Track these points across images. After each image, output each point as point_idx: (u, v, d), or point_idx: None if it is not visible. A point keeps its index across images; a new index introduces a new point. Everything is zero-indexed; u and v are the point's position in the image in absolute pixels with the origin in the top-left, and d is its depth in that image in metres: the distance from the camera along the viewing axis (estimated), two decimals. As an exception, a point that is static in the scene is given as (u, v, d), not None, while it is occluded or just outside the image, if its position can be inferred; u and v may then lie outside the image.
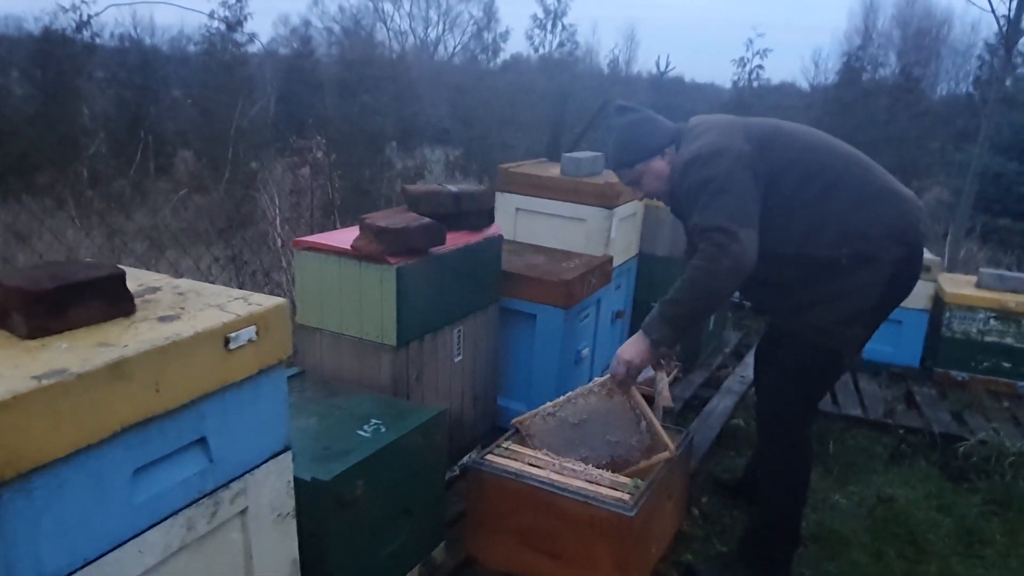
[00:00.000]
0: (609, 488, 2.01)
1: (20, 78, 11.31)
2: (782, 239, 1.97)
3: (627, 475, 2.07)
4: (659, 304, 2.01)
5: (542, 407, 2.23)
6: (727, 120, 2.11)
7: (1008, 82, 7.50)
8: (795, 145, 2.03)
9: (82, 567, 1.10)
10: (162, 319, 1.24)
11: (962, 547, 2.55)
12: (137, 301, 1.28)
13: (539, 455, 2.16)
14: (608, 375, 2.15)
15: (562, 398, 2.21)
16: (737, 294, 2.45)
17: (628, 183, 2.24)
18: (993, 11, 5.95)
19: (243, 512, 1.37)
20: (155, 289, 1.38)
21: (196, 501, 1.27)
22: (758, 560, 2.23)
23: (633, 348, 2.07)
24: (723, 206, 1.90)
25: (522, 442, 2.22)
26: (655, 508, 2.08)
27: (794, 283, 2.02)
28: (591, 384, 2.21)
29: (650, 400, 2.25)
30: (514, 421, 2.25)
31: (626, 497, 1.96)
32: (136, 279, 1.41)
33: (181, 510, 1.24)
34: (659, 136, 2.12)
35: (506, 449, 2.19)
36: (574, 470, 2.10)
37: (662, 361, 2.53)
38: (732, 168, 1.93)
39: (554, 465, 2.12)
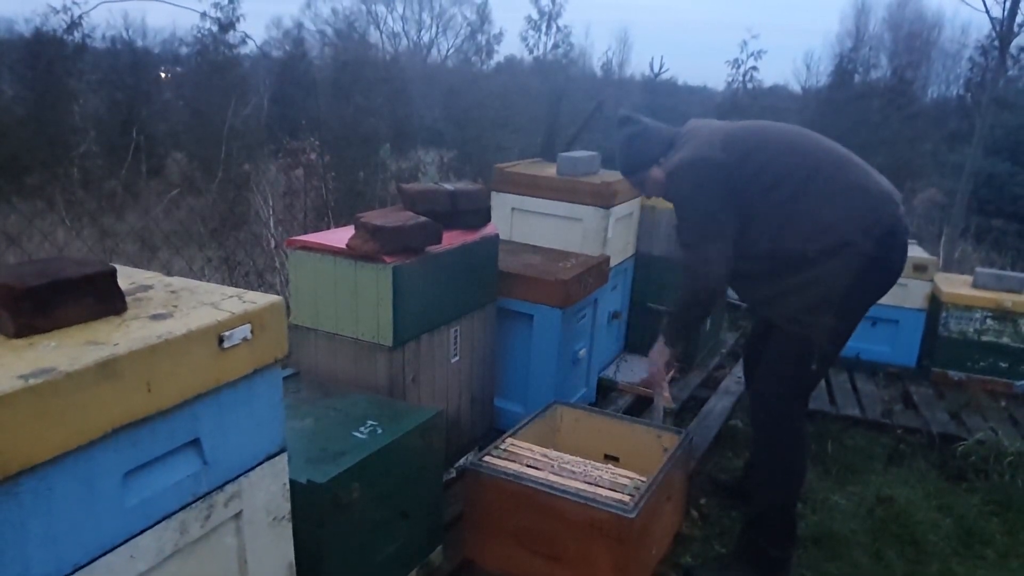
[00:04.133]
0: (609, 489, 1.98)
1: (11, 79, 11.23)
2: (757, 237, 2.13)
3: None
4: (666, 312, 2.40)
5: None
6: (711, 128, 2.24)
7: (1000, 83, 7.52)
8: (770, 149, 2.15)
9: (72, 573, 1.07)
10: (154, 317, 1.21)
11: (962, 548, 2.54)
12: (129, 299, 1.25)
13: (538, 456, 2.14)
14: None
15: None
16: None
17: (634, 186, 2.48)
18: (987, 11, 5.97)
19: (237, 515, 1.34)
20: (147, 287, 1.35)
21: (189, 504, 1.23)
22: (755, 559, 2.21)
23: (655, 352, 2.37)
24: (693, 223, 2.14)
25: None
26: (655, 509, 2.06)
27: (767, 275, 2.16)
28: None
29: (650, 400, 2.25)
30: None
31: (626, 498, 1.93)
32: (128, 277, 1.38)
33: (174, 513, 1.21)
34: (653, 148, 2.31)
35: (504, 451, 2.16)
36: (573, 471, 2.07)
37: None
38: (703, 180, 2.11)
39: (553, 466, 2.09)
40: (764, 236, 2.12)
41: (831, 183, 2.09)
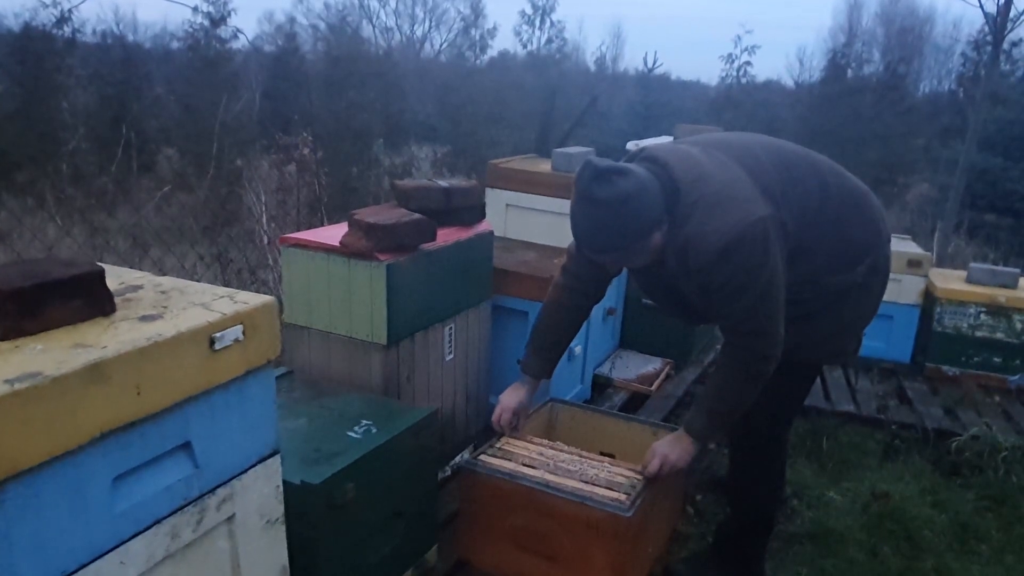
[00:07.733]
0: (605, 488, 1.97)
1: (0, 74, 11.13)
2: (806, 275, 1.86)
3: None
4: (704, 408, 1.92)
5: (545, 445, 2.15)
6: (733, 174, 1.78)
7: (994, 78, 7.54)
8: (799, 176, 1.86)
9: (60, 580, 1.05)
10: (143, 319, 1.19)
11: (957, 543, 2.55)
12: (117, 300, 1.23)
13: (534, 454, 2.12)
14: (643, 468, 2.00)
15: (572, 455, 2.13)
16: None
17: (612, 262, 1.94)
18: (982, 6, 5.98)
19: (230, 519, 1.32)
20: (136, 287, 1.33)
21: (181, 508, 1.21)
22: (734, 555, 2.23)
23: (679, 449, 1.95)
24: (765, 307, 1.76)
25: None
26: (652, 508, 2.05)
27: (816, 314, 1.92)
28: (619, 470, 2.07)
29: (646, 397, 2.22)
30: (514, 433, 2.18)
31: (623, 497, 1.92)
32: (117, 277, 1.35)
33: (165, 518, 1.19)
34: (657, 206, 1.74)
35: (499, 449, 2.15)
36: (569, 470, 2.06)
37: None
38: (769, 252, 1.72)
39: (549, 465, 2.08)
40: (814, 273, 1.87)
41: (852, 196, 1.93)
